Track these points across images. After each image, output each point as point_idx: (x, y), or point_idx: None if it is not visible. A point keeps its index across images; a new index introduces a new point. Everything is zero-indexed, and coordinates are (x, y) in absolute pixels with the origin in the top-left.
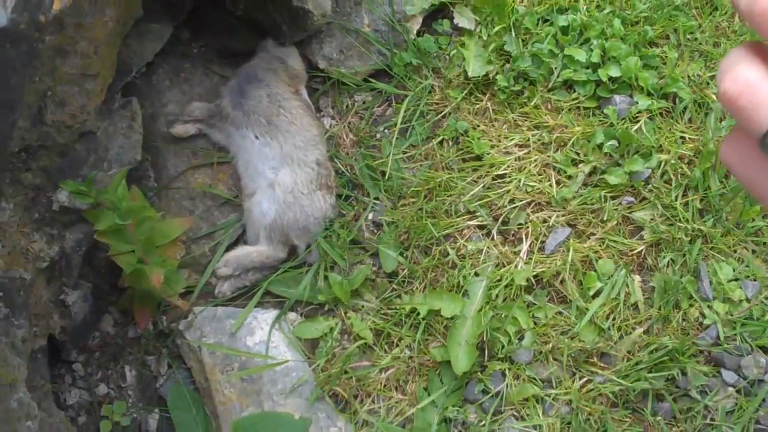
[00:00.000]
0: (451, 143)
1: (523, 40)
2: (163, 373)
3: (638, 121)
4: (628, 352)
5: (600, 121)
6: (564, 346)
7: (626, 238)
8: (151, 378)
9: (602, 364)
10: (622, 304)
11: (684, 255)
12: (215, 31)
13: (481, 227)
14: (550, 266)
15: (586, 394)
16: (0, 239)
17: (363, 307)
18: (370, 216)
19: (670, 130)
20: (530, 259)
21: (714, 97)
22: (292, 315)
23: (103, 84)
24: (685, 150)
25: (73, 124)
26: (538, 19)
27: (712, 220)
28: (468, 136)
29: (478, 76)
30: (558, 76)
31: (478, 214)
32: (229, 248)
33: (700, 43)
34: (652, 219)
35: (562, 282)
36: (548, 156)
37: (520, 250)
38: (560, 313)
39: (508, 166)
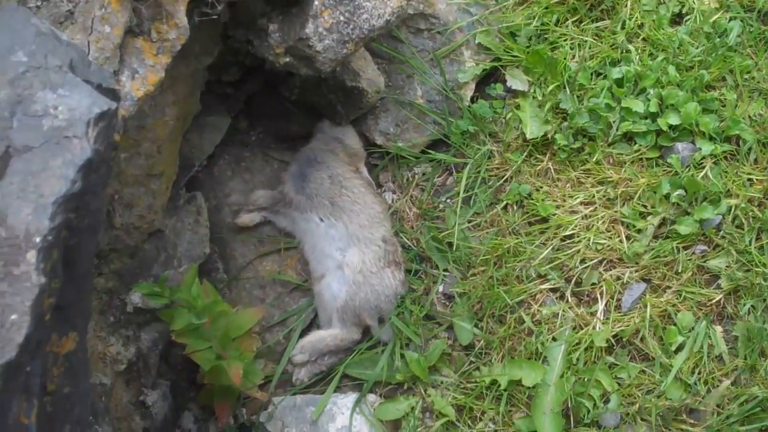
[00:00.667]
0: (515, 207)
1: (578, 97)
2: None
3: (703, 167)
4: (718, 405)
5: (664, 170)
6: (651, 405)
7: (703, 288)
8: None
9: (692, 421)
10: (706, 356)
11: (765, 300)
12: (272, 117)
13: (554, 290)
14: (629, 324)
15: None
16: None
17: (442, 383)
18: (441, 288)
19: (736, 174)
20: (607, 318)
21: None
22: (371, 397)
23: (168, 182)
24: (754, 192)
25: (141, 225)
26: (592, 74)
27: None
28: (532, 199)
29: (537, 137)
30: (617, 130)
31: (549, 277)
32: (302, 334)
33: (758, 82)
34: (727, 266)
35: (642, 339)
36: (615, 211)
37: (596, 311)
38: (644, 371)
39: (576, 226)
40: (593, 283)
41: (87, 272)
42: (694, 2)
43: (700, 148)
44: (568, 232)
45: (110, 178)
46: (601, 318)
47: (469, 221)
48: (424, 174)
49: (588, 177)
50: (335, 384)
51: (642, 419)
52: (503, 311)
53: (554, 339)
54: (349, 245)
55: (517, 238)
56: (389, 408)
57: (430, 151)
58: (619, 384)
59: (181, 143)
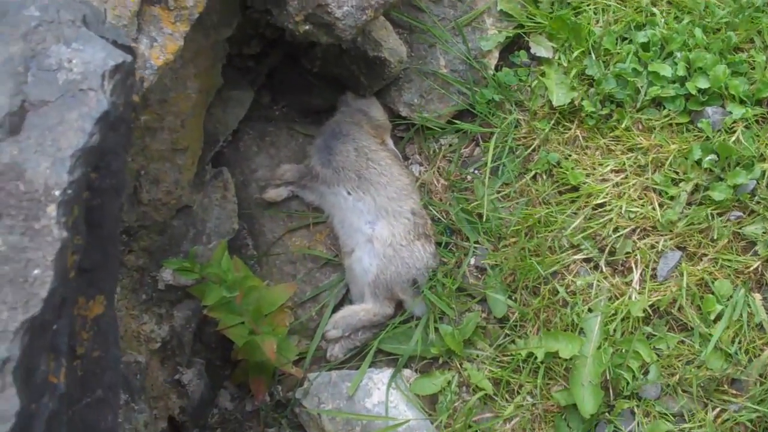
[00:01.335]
0: (545, 177)
1: (604, 62)
2: None
3: (735, 132)
4: (760, 375)
5: (695, 136)
6: (692, 376)
7: (740, 255)
8: None
9: (734, 391)
10: (746, 325)
11: None
12: (294, 91)
13: (587, 260)
14: (666, 293)
15: (722, 425)
16: None
17: (478, 356)
18: (473, 261)
19: None
20: (643, 288)
21: None
22: (407, 372)
23: (194, 157)
24: None
25: (168, 201)
26: (617, 39)
27: None
28: (561, 167)
29: (564, 105)
30: (645, 95)
31: (582, 247)
32: (335, 309)
33: None
34: (764, 232)
35: (680, 309)
36: (647, 178)
37: (631, 280)
38: (683, 341)
39: (607, 194)
40: (627, 253)
41: (112, 234)
42: None
43: (731, 112)
44: (599, 201)
45: (135, 154)
46: (637, 288)
47: (498, 192)
48: (450, 145)
49: (617, 144)
50: (370, 359)
51: (683, 390)
52: (537, 283)
53: (590, 310)
54: (377, 218)
55: (547, 208)
56: (425, 383)
57: (456, 121)
58: (658, 355)
59: (204, 118)
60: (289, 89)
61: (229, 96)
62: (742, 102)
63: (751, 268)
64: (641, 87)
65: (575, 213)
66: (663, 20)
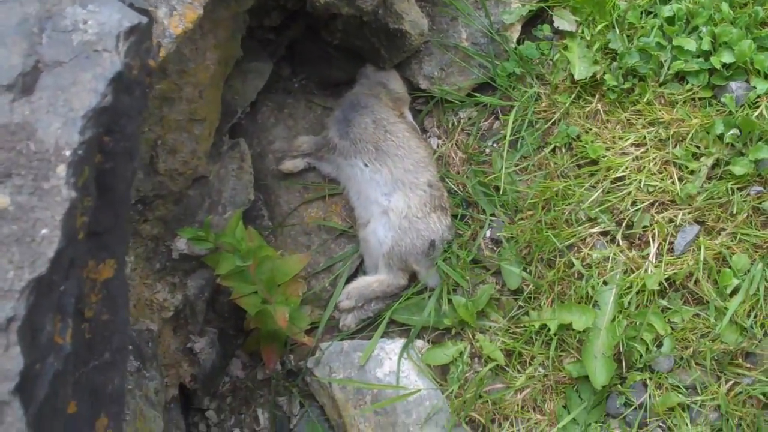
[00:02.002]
0: (564, 150)
1: (627, 36)
2: (296, 413)
3: (758, 107)
4: None
5: (718, 110)
6: (706, 349)
7: (759, 230)
8: (284, 419)
9: (748, 365)
10: (762, 299)
11: None
12: (314, 63)
13: (604, 234)
14: (682, 267)
15: (735, 398)
16: None
17: (490, 327)
18: (488, 233)
19: None
20: (660, 261)
21: None
22: (419, 342)
23: (211, 128)
24: None
25: (185, 171)
26: (642, 12)
27: None
28: (581, 141)
29: (585, 78)
30: (669, 69)
31: (599, 220)
32: (349, 280)
33: None
34: None
35: (696, 282)
36: (667, 153)
37: (648, 254)
38: (698, 315)
39: (626, 168)
40: (645, 226)
41: (124, 198)
42: None
43: (755, 87)
44: (618, 174)
45: (153, 124)
46: (654, 261)
47: (516, 165)
48: (469, 118)
49: (639, 118)
50: (382, 329)
51: (696, 363)
52: (552, 255)
53: (605, 283)
54: (394, 190)
55: (565, 181)
56: (437, 353)
57: (475, 94)
58: (672, 328)
59: (223, 89)
60: (308, 61)
61: (249, 68)
62: (766, 77)
63: None
64: (665, 61)
65: (593, 186)
66: None
